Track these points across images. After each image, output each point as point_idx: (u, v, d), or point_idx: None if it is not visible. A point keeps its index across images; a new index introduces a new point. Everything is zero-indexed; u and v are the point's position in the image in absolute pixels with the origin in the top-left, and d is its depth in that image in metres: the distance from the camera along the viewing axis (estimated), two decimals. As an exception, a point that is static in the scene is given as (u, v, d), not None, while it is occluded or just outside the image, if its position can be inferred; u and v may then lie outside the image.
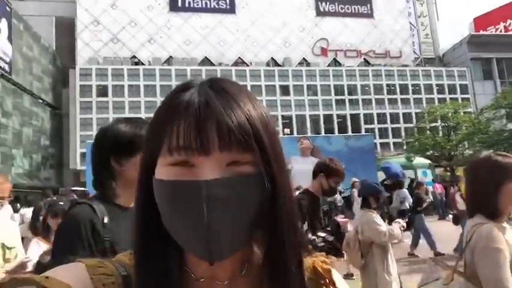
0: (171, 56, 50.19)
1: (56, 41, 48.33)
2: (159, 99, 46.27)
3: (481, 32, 54.21)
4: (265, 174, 0.52)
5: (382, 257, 3.41)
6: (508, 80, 51.09)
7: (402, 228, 3.49)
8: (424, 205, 7.77)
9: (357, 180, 13.17)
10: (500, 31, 54.86)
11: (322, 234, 2.92)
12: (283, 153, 0.57)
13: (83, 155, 35.66)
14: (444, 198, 17.55)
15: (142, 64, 48.82)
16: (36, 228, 3.41)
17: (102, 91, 45.53)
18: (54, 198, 6.84)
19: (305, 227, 2.88)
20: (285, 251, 0.55)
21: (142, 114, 45.42)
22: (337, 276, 0.66)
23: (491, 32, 54.78)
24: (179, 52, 50.62)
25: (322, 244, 2.92)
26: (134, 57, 49.51)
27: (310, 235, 2.89)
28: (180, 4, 52.03)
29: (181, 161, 0.51)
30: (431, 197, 8.71)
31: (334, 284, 0.64)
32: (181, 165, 0.51)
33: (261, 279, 0.57)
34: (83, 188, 19.39)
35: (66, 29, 48.38)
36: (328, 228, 3.01)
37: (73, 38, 48.36)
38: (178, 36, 50.96)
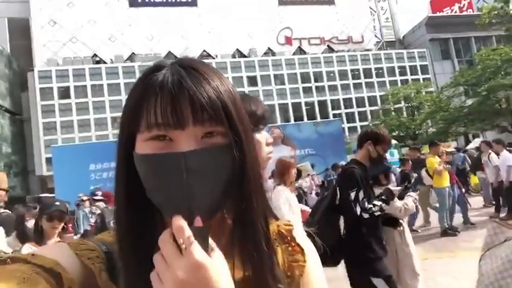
0: (133, 53, 49.05)
1: (10, 43, 46.20)
2: (124, 97, 44.98)
3: (438, 14, 55.97)
4: (234, 144, 0.57)
5: (399, 231, 3.54)
6: (465, 58, 53.18)
7: (415, 201, 3.61)
8: (412, 180, 8.07)
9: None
10: (455, 12, 56.81)
11: (378, 203, 2.90)
12: (249, 125, 0.63)
13: (48, 160, 34.50)
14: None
15: (104, 63, 47.44)
16: (25, 235, 3.08)
17: (64, 93, 43.92)
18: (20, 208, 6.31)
19: (361, 195, 2.86)
20: (253, 211, 0.60)
21: (107, 114, 44.33)
22: (297, 234, 0.73)
23: (447, 13, 56.65)
24: (142, 48, 49.54)
25: (379, 213, 2.91)
26: (95, 55, 48.03)
27: (366, 204, 2.87)
28: (139, -1, 50.85)
29: (159, 136, 0.56)
30: (414, 174, 9.03)
31: (294, 239, 0.72)
32: (160, 140, 0.56)
33: (233, 241, 0.62)
34: (51, 195, 18.77)
35: (21, 30, 46.23)
36: (383, 197, 2.97)
37: (29, 39, 46.30)
38: (140, 32, 49.81)
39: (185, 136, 0.55)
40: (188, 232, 0.49)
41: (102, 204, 8.33)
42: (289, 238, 0.72)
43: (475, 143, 24.79)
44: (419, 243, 6.65)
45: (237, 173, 0.58)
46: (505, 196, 8.85)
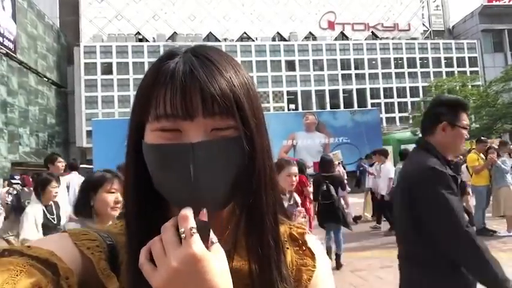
0: (175, 32, 49.73)
1: (60, 18, 48.09)
2: (164, 76, 46.19)
3: (494, 3, 52.62)
4: (245, 138, 0.56)
5: None
6: (519, 52, 50.01)
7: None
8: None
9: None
10: (513, 1, 53.21)
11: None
12: (263, 118, 0.61)
13: (88, 133, 35.95)
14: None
15: (147, 41, 48.47)
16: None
17: (107, 69, 45.43)
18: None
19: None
20: (262, 205, 0.59)
21: (148, 92, 45.50)
22: (310, 238, 0.71)
23: (505, 2, 53.13)
24: (183, 28, 50.10)
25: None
26: (138, 33, 49.18)
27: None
28: (184, -21, 51.19)
29: (168, 126, 0.55)
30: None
31: (306, 243, 0.69)
32: (169, 131, 0.55)
33: (238, 234, 0.61)
34: (90, 166, 19.63)
35: (70, 6, 48.06)
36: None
37: (77, 15, 48.06)
38: (183, 11, 50.33)
39: (194, 127, 0.54)
40: (192, 223, 0.49)
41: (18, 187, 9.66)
42: (300, 241, 0.70)
43: (522, 142, 23.53)
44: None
45: (247, 167, 0.57)
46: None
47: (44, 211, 3.72)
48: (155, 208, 0.58)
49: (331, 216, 5.85)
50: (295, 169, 3.52)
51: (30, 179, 10.11)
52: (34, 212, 3.68)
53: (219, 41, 49.48)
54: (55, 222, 3.72)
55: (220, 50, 0.61)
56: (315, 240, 0.73)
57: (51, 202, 3.83)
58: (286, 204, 3.41)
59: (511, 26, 50.62)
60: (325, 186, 5.87)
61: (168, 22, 49.87)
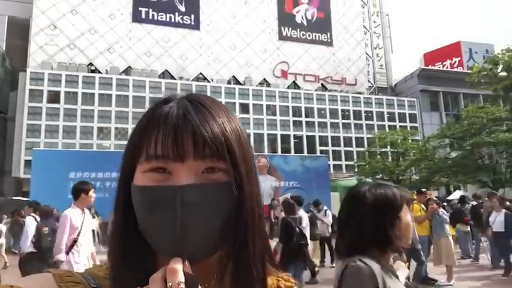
0: (129, 67, 49.14)
1: (7, 41, 45.94)
2: (114, 109, 44.85)
3: (430, 67, 58.06)
4: (235, 183, 0.55)
5: None
6: (453, 112, 54.90)
7: None
8: None
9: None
10: (447, 67, 59.13)
11: None
12: (254, 164, 0.61)
13: (27, 162, 33.63)
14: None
15: (99, 72, 47.34)
16: None
17: (54, 97, 43.37)
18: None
19: None
20: (248, 254, 0.57)
21: (95, 123, 43.84)
22: None
23: (439, 67, 58.87)
24: (139, 63, 49.73)
25: None
26: (91, 64, 47.95)
27: None
28: (143, 16, 51.50)
29: (158, 168, 0.54)
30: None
31: None
32: (158, 172, 0.54)
33: (227, 286, 0.59)
34: (25, 198, 18.08)
35: (20, 30, 46.15)
36: None
37: (26, 40, 46.12)
38: (139, 47, 50.16)
39: (185, 169, 0.54)
40: (181, 277, 0.47)
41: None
42: None
43: (456, 194, 25.19)
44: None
45: (235, 213, 0.56)
46: None
47: None
48: (141, 253, 0.57)
49: (301, 256, 6.06)
50: None
51: None
52: None
53: (175, 79, 49.55)
54: None
55: (213, 98, 0.62)
56: None
57: None
58: None
59: (446, 88, 55.81)
60: (297, 228, 6.09)
61: (123, 56, 49.30)
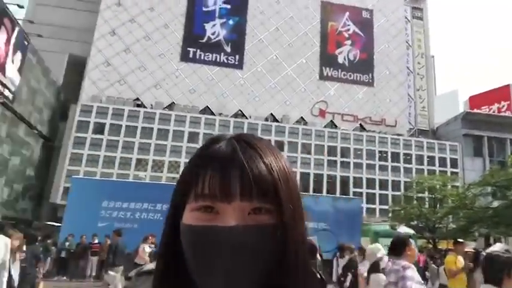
0: (173, 102, 51.64)
1: (65, 76, 50.04)
2: (154, 142, 46.90)
3: (475, 111, 56.06)
4: (280, 226, 0.55)
5: None
6: (497, 158, 51.92)
7: None
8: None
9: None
10: (493, 112, 56.79)
11: None
12: (301, 207, 0.61)
13: (65, 189, 35.37)
14: (427, 273, 17.00)
15: (145, 107, 50.08)
16: None
17: (99, 128, 46.23)
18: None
19: None
20: None
21: (134, 155, 45.90)
22: None
23: (485, 111, 56.69)
24: (182, 99, 52.13)
25: None
26: (137, 99, 50.93)
27: None
28: (191, 55, 54.44)
29: (205, 207, 0.55)
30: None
31: None
32: (206, 211, 0.55)
33: None
34: (58, 224, 18.90)
35: (77, 66, 50.32)
36: None
37: (81, 76, 50.08)
38: (184, 84, 52.76)
39: (231, 210, 0.54)
40: None
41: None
42: None
43: (496, 247, 23.54)
44: None
45: (280, 256, 0.56)
46: None
47: None
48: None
49: None
50: None
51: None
52: None
53: (214, 115, 51.32)
54: None
55: (262, 138, 0.62)
56: None
57: None
58: None
59: (491, 133, 53.37)
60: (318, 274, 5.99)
61: (169, 92, 51.97)
